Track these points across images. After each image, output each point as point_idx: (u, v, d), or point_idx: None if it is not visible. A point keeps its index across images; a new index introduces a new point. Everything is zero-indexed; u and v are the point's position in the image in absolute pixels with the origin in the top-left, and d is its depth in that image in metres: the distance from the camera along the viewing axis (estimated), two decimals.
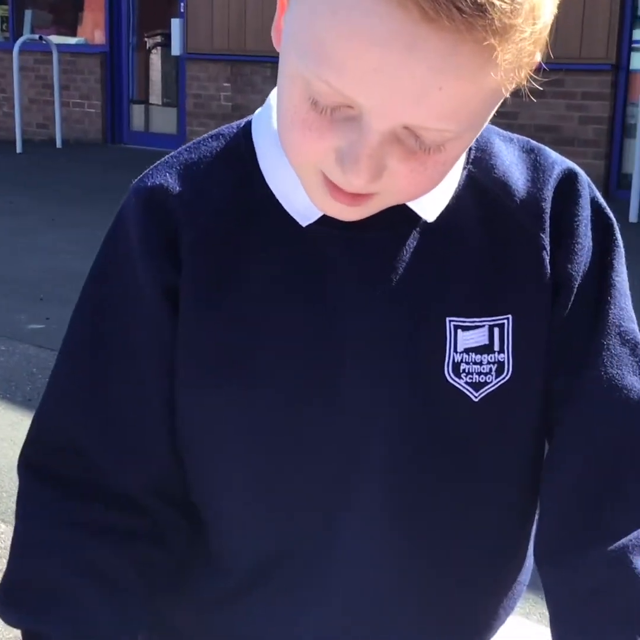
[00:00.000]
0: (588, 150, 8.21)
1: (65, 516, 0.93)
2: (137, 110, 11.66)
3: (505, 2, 0.71)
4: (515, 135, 1.00)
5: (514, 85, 0.79)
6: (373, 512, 0.95)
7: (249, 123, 0.97)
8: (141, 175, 0.97)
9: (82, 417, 0.95)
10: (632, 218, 7.05)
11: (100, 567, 0.92)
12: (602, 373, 0.95)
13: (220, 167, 0.95)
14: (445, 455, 0.95)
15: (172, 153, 0.98)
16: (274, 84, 0.87)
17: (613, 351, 0.95)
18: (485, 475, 0.97)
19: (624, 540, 0.90)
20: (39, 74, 11.82)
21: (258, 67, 9.71)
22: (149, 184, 0.95)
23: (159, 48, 11.59)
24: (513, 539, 1.04)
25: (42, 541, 0.93)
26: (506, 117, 8.38)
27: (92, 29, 11.82)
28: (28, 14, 12.30)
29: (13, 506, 0.99)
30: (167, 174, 0.95)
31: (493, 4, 0.71)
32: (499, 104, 0.82)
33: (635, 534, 0.91)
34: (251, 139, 0.95)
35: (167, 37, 11.02)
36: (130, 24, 11.48)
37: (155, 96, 11.75)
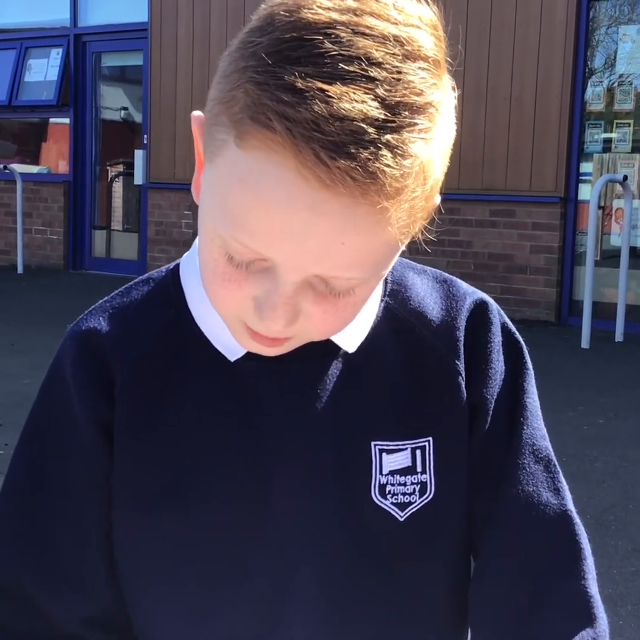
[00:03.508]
0: (540, 278, 8.41)
1: None
2: (99, 237, 11.81)
3: (394, 168, 0.76)
4: (428, 268, 1.06)
5: (409, 238, 0.84)
6: (305, 628, 0.98)
7: (177, 266, 1.03)
8: (76, 320, 1.02)
9: (21, 558, 0.98)
10: (584, 344, 7.15)
11: None
12: (520, 491, 1.00)
13: (151, 310, 1.00)
14: (375, 571, 0.99)
15: (105, 298, 1.03)
16: None
17: (528, 469, 1.01)
18: (414, 589, 1.01)
19: None
20: (3, 201, 11.97)
21: None
22: (83, 327, 1.00)
23: (121, 177, 11.83)
24: None
25: None
26: (460, 245, 8.60)
27: (56, 159, 12.05)
28: None
29: None
30: (100, 318, 1.00)
31: (383, 171, 0.76)
32: (401, 250, 0.88)
33: None
34: (180, 282, 1.01)
35: (130, 166, 11.27)
36: (93, 154, 11.74)
37: (117, 223, 11.93)
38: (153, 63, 10.67)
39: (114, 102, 11.93)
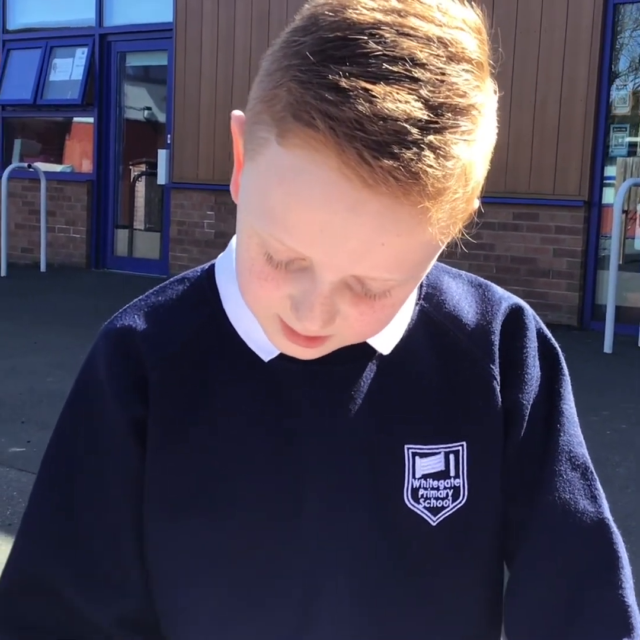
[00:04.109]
0: (562, 282, 8.37)
1: None
2: (122, 236, 11.85)
3: (437, 169, 0.76)
4: (463, 272, 1.06)
5: (448, 240, 0.85)
6: (336, 630, 0.97)
7: (212, 267, 1.03)
8: (111, 318, 1.01)
9: (54, 553, 0.98)
10: (607, 349, 7.12)
11: None
12: (556, 498, 0.99)
13: (186, 309, 1.00)
14: (406, 575, 0.98)
15: (140, 297, 1.03)
16: None
17: (565, 477, 1.00)
18: (445, 595, 1.00)
19: None
20: (27, 200, 12.04)
21: None
22: (117, 325, 1.00)
23: (144, 177, 11.87)
24: None
25: None
26: (483, 249, 8.57)
27: (80, 158, 12.11)
28: (17, 143, 12.62)
29: None
30: (135, 316, 1.00)
31: (426, 171, 0.75)
32: (439, 253, 0.88)
33: None
34: (215, 282, 1.01)
35: (153, 166, 11.32)
36: (117, 153, 11.79)
37: (139, 222, 11.97)
38: (177, 63, 10.70)
39: (137, 101, 11.98)
